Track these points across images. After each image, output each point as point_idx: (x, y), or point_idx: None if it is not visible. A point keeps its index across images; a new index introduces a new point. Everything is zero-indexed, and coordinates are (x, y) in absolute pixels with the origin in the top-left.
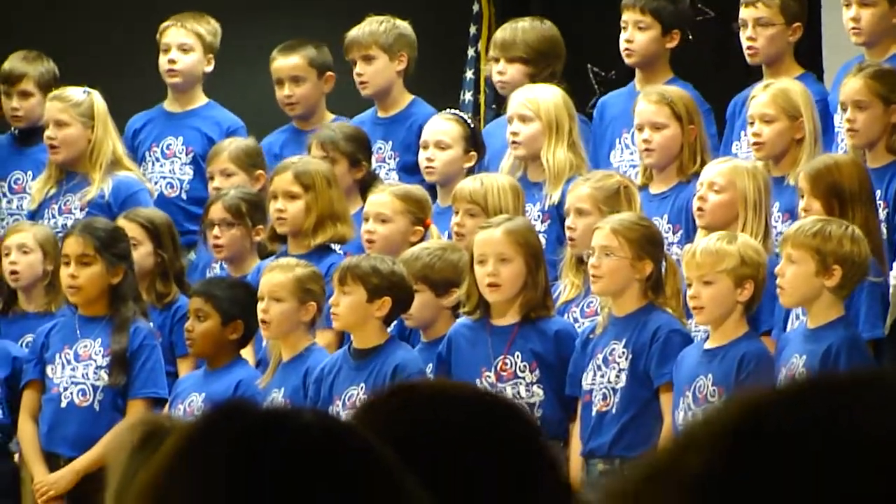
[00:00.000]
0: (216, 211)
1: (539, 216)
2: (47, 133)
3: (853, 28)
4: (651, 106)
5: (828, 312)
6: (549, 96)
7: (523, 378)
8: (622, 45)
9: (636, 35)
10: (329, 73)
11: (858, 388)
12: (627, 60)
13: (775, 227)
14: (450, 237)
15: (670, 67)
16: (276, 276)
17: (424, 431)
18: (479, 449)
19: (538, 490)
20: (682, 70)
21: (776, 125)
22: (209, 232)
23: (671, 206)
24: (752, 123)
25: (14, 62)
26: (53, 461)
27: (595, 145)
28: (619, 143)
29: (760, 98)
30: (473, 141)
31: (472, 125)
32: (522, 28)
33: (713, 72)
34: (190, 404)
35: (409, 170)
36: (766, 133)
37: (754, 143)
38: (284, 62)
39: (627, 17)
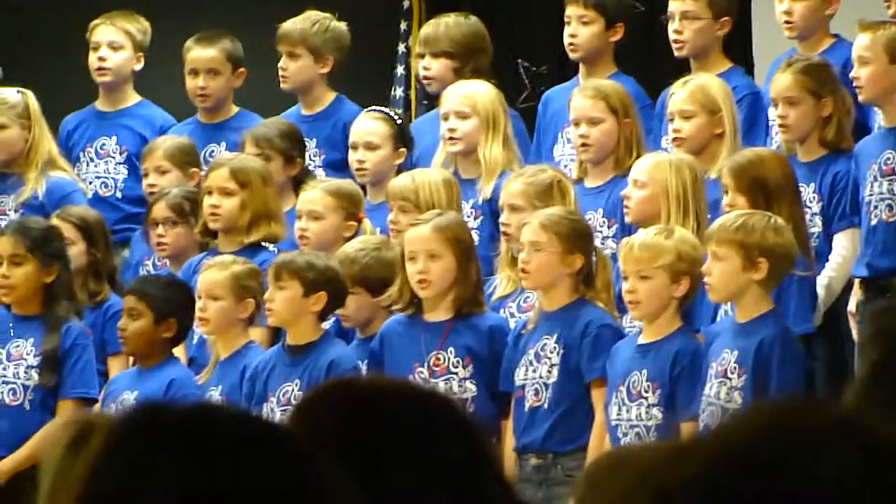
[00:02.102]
0: (159, 210)
1: (472, 212)
2: None
3: (786, 21)
4: (586, 101)
5: (757, 306)
6: (484, 92)
7: (456, 374)
8: (566, 39)
9: (580, 30)
10: (241, 68)
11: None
12: (572, 55)
13: None
14: (385, 233)
15: (614, 62)
16: (213, 274)
17: (361, 427)
18: (416, 443)
19: (477, 484)
20: (625, 65)
21: (695, 121)
22: (152, 231)
23: (606, 199)
24: (672, 120)
25: None
26: None
27: (538, 139)
28: (562, 137)
29: (679, 94)
30: (402, 138)
31: (400, 122)
32: (446, 23)
33: (652, 66)
34: (122, 403)
35: (336, 167)
36: (685, 129)
37: (674, 139)
38: (201, 53)
39: (571, 11)
